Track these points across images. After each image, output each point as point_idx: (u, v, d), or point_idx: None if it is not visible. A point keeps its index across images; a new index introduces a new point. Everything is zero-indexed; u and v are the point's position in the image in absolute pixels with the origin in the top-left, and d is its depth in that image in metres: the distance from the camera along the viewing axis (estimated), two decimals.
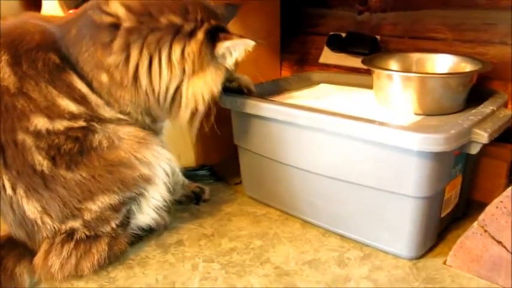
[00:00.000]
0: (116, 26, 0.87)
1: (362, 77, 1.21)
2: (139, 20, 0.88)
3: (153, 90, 0.91)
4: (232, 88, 1.04)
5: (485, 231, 0.82)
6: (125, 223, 0.93)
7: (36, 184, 0.84)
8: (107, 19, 0.88)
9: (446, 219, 0.98)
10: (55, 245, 0.86)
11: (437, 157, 0.81)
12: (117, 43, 0.87)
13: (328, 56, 1.40)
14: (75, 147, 0.86)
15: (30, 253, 0.88)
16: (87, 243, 0.88)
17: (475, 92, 0.98)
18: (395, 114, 0.96)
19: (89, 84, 0.89)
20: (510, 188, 0.80)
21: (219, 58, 0.93)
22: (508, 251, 0.80)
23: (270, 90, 1.16)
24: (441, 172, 0.85)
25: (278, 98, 1.11)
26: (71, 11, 1.23)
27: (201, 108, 0.94)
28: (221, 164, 1.31)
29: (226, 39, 0.92)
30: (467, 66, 1.02)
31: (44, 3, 1.31)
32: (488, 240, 0.82)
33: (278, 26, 1.46)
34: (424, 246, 0.92)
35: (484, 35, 1.11)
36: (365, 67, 1.04)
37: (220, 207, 1.15)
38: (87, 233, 0.88)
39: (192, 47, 0.89)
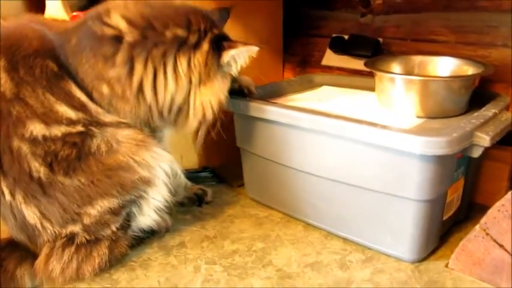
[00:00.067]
0: (118, 39, 0.87)
1: (364, 79, 1.21)
2: (143, 34, 0.88)
3: (157, 103, 0.91)
4: (232, 89, 1.04)
5: (487, 234, 0.82)
6: (125, 226, 0.92)
7: (34, 190, 0.84)
8: (109, 31, 0.88)
9: (449, 222, 0.98)
10: (56, 249, 0.86)
11: (440, 160, 0.81)
12: (120, 57, 0.87)
13: (330, 58, 1.40)
14: (73, 153, 0.85)
15: (32, 256, 0.88)
16: (87, 247, 0.88)
17: (477, 94, 0.98)
18: (398, 117, 0.96)
19: (89, 95, 0.89)
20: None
21: (225, 66, 0.94)
22: (509, 254, 0.80)
23: (273, 92, 1.17)
24: (443, 175, 0.86)
25: (280, 100, 1.11)
26: (75, 13, 1.23)
27: (210, 117, 0.95)
28: (223, 166, 1.31)
29: (231, 47, 0.92)
30: (469, 69, 1.02)
31: (47, 3, 1.31)
32: (490, 243, 0.82)
33: (280, 28, 1.46)
34: (426, 249, 0.92)
35: (486, 37, 1.11)
36: (367, 69, 1.04)
37: (222, 209, 1.15)
38: (88, 237, 0.88)
39: (198, 58, 0.90)
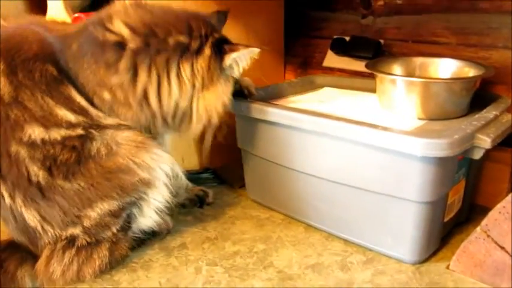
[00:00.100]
0: (120, 46, 0.87)
1: (366, 80, 1.21)
2: (146, 42, 0.88)
3: (162, 109, 0.91)
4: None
5: (488, 236, 0.83)
6: (125, 227, 0.92)
7: (33, 194, 0.84)
8: (111, 37, 0.87)
9: (450, 223, 0.98)
10: (56, 251, 0.86)
11: (441, 162, 0.81)
12: (123, 63, 0.87)
13: (331, 60, 1.40)
14: (72, 157, 0.85)
15: (33, 257, 0.88)
16: (88, 249, 0.88)
17: (478, 96, 0.98)
18: (399, 119, 0.96)
19: (89, 100, 0.88)
20: None
21: (227, 69, 0.95)
22: (510, 256, 0.80)
23: (274, 94, 1.17)
24: (444, 177, 0.86)
25: (282, 102, 1.11)
26: (76, 15, 1.23)
27: (215, 120, 0.95)
28: (225, 167, 1.31)
29: (232, 50, 0.93)
30: (470, 71, 1.02)
31: (49, 4, 1.31)
32: (491, 245, 0.82)
33: (282, 29, 1.46)
34: (427, 250, 0.92)
35: (487, 39, 1.11)
36: (369, 71, 1.04)
37: (223, 211, 1.15)
38: (88, 239, 0.88)
39: (201, 63, 0.90)
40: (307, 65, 1.49)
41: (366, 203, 0.92)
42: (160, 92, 0.90)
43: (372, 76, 1.06)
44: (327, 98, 1.15)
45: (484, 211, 0.84)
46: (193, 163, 1.28)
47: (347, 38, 1.35)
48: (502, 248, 0.81)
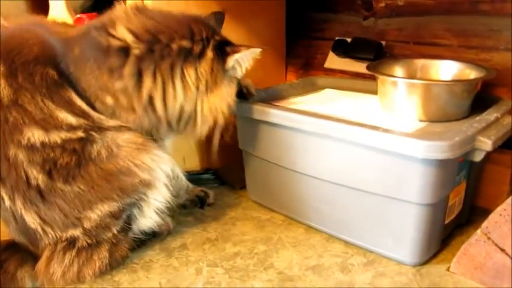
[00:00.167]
0: (124, 51, 0.87)
1: (367, 82, 1.21)
2: (150, 48, 0.88)
3: (167, 113, 0.92)
4: None
5: (489, 238, 0.83)
6: (125, 228, 0.92)
7: (33, 197, 0.84)
8: (115, 43, 0.87)
9: (450, 225, 0.98)
10: (57, 253, 0.86)
11: (442, 164, 0.81)
12: (128, 69, 0.87)
13: (333, 61, 1.40)
14: (73, 160, 0.84)
15: (33, 258, 0.89)
16: (88, 250, 0.88)
17: (479, 98, 0.98)
18: (400, 121, 0.96)
19: (90, 104, 0.88)
20: None
21: (230, 71, 0.95)
22: (511, 258, 0.80)
23: (275, 95, 1.17)
24: (445, 179, 0.86)
25: (283, 103, 1.11)
26: (78, 16, 1.23)
27: (222, 121, 0.96)
28: (226, 168, 1.31)
29: (234, 52, 0.93)
30: (471, 73, 1.02)
31: (51, 4, 1.31)
32: (492, 247, 0.82)
33: (283, 31, 1.47)
34: (427, 252, 0.92)
35: (488, 41, 1.11)
36: (370, 73, 1.04)
37: (224, 212, 1.15)
38: (88, 240, 0.88)
39: (204, 66, 0.91)
40: (309, 66, 1.49)
41: (367, 205, 0.92)
42: (165, 97, 0.90)
43: (373, 78, 1.06)
44: (328, 99, 1.15)
45: (485, 213, 0.84)
46: (195, 164, 1.28)
47: (348, 40, 1.35)
48: (503, 250, 0.81)
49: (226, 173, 1.31)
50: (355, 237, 0.98)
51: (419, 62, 1.11)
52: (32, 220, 0.85)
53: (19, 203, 0.84)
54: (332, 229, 1.01)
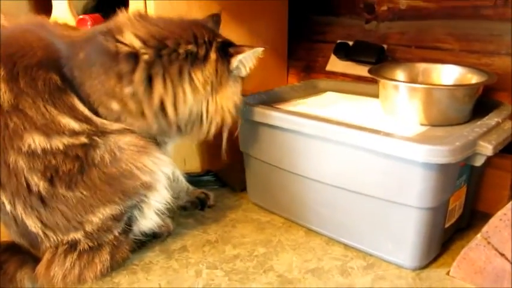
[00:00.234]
0: (134, 57, 0.87)
1: (368, 85, 1.21)
2: (158, 53, 0.88)
3: (177, 117, 0.92)
4: None
5: (489, 243, 0.82)
6: (126, 230, 0.92)
7: (34, 203, 0.83)
8: (124, 49, 0.87)
9: (451, 229, 0.98)
10: (58, 255, 0.86)
11: (442, 168, 0.82)
12: (138, 75, 0.86)
13: (335, 64, 1.40)
14: (75, 166, 0.83)
15: (33, 259, 0.88)
16: (89, 253, 0.88)
17: (481, 103, 0.98)
18: (401, 124, 0.96)
19: (92, 110, 0.88)
20: None
21: (235, 71, 0.95)
22: (511, 263, 0.80)
23: (276, 97, 1.17)
24: (446, 183, 0.86)
25: (284, 106, 1.11)
26: (81, 16, 1.24)
27: (229, 120, 0.96)
28: (226, 170, 1.31)
29: (238, 52, 0.94)
30: (473, 78, 1.02)
31: (54, 4, 1.31)
32: (492, 252, 0.82)
33: (285, 33, 1.47)
34: (427, 256, 0.92)
35: (489, 45, 1.11)
36: (371, 76, 1.04)
37: (224, 214, 1.15)
38: (90, 243, 0.87)
39: (209, 69, 0.91)
40: (310, 69, 1.49)
41: (367, 208, 0.92)
42: (176, 102, 0.90)
43: (374, 81, 1.06)
44: (329, 102, 1.15)
45: (485, 217, 0.84)
46: (195, 165, 1.28)
47: (350, 43, 1.35)
48: (502, 255, 0.81)
49: (226, 175, 1.31)
50: (355, 241, 0.98)
51: (421, 66, 1.11)
52: (33, 224, 0.85)
53: (20, 208, 0.83)
54: (332, 232, 1.01)
